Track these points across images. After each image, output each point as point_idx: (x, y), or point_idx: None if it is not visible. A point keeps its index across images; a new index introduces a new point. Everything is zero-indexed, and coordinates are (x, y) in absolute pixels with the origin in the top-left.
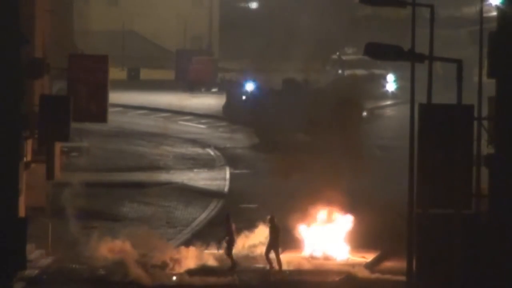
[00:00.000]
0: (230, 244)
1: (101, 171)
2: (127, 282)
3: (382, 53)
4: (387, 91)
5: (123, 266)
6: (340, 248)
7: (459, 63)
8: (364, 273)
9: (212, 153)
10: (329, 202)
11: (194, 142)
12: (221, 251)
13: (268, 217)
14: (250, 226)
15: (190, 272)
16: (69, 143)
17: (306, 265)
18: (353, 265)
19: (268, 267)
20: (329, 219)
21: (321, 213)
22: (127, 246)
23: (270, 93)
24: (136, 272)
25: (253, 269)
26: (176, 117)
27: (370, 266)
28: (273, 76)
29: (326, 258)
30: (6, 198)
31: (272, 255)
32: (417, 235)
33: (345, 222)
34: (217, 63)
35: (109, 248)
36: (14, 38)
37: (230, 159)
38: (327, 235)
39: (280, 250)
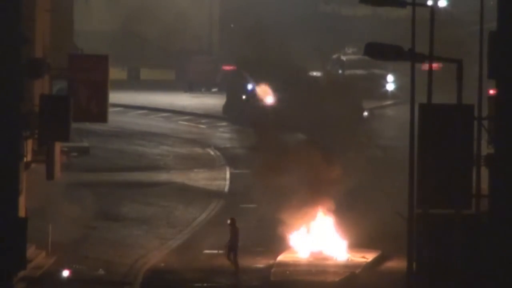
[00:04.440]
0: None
1: (101, 171)
2: (126, 282)
3: (382, 53)
4: (387, 91)
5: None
6: (340, 248)
7: (459, 63)
8: (365, 273)
9: (212, 153)
10: (328, 202)
11: (194, 142)
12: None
13: None
14: (251, 226)
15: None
16: (69, 143)
17: (306, 265)
18: (353, 265)
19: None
20: (329, 219)
21: (321, 213)
22: None
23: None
24: None
25: (253, 269)
26: (176, 117)
27: (370, 266)
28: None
29: (326, 258)
30: (6, 198)
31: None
32: (417, 235)
33: (344, 222)
34: (217, 63)
35: None
36: (14, 38)
37: (230, 159)
38: (327, 235)
39: None
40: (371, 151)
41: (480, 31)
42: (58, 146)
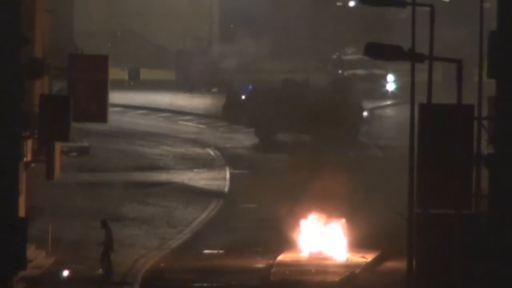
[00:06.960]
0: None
1: (101, 171)
2: (126, 282)
3: (382, 53)
4: (387, 91)
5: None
6: (340, 248)
7: (459, 63)
8: (364, 273)
9: (212, 153)
10: (328, 202)
11: (194, 142)
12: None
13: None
14: (251, 226)
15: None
16: (69, 143)
17: (306, 265)
18: (353, 265)
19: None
20: (328, 219)
21: (320, 213)
22: None
23: (270, 93)
24: None
25: (253, 269)
26: (176, 117)
27: (370, 266)
28: (273, 76)
29: (326, 258)
30: (6, 198)
31: None
32: (417, 235)
33: (344, 222)
34: (217, 63)
35: None
36: (14, 38)
37: (230, 159)
38: (327, 235)
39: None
40: (371, 151)
41: (480, 31)
42: (58, 146)
